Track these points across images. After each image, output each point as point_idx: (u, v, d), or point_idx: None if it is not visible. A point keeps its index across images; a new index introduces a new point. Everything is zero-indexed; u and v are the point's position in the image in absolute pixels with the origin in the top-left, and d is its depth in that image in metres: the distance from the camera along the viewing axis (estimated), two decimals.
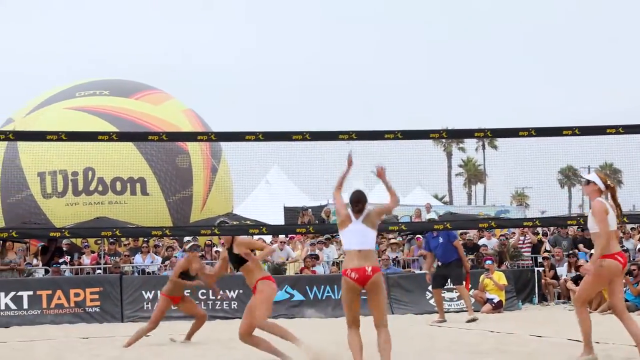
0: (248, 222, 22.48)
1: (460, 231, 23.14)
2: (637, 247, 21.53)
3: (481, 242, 23.25)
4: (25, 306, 19.01)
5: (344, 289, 8.88)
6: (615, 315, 9.44)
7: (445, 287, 17.91)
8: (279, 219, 27.49)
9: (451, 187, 72.42)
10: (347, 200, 9.20)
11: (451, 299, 19.45)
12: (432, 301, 18.75)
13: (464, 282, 17.19)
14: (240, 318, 18.48)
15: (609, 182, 9.47)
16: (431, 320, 16.95)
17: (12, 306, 18.97)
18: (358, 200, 9.09)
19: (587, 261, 20.60)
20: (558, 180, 71.42)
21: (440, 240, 16.95)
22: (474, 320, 16.29)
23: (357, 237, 8.91)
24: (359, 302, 8.93)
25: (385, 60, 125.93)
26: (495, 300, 19.56)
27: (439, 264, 17.20)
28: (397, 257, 22.25)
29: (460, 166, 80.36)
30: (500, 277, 19.74)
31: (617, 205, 9.47)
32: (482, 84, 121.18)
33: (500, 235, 23.77)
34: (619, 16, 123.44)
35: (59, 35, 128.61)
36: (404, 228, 18.69)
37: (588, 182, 9.54)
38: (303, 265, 21.43)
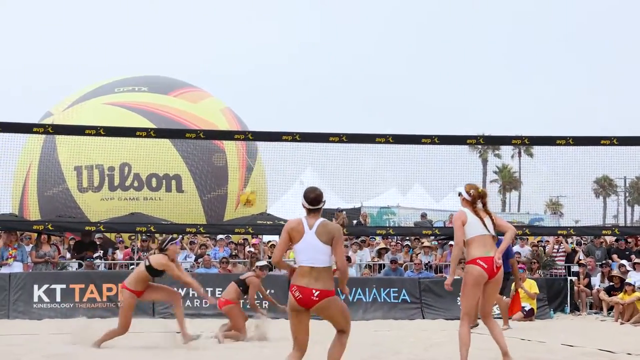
0: (282, 222, 22.47)
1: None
2: None
3: (514, 249, 23.14)
4: (58, 299, 19.16)
5: (288, 306, 8.05)
6: (482, 318, 9.83)
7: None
8: None
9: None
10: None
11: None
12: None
13: (510, 298, 17.11)
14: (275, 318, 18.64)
15: (472, 192, 9.63)
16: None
17: (45, 299, 19.12)
18: (315, 199, 8.11)
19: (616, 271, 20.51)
20: (593, 189, 70.98)
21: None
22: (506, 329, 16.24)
23: (309, 252, 7.97)
24: (307, 325, 8.05)
25: (424, 66, 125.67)
26: (526, 309, 19.47)
27: None
28: (429, 261, 22.20)
29: (495, 173, 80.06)
30: (532, 286, 19.64)
31: (487, 212, 9.58)
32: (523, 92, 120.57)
33: (533, 245, 23.65)
34: None
35: (98, 29, 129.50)
36: (437, 232, 18.65)
37: (460, 194, 9.79)
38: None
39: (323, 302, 7.91)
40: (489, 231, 9.51)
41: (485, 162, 75.00)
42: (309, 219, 8.02)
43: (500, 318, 17.26)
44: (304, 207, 8.15)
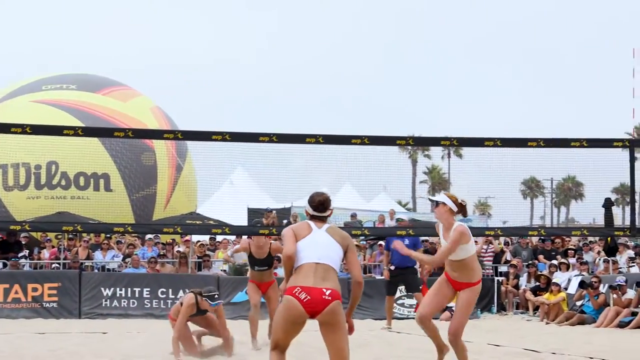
0: (211, 222, 22.37)
1: (423, 238, 23.23)
2: (596, 260, 21.71)
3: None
4: None
5: (284, 313, 6.69)
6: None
7: (404, 294, 17.89)
8: (242, 220, 27.43)
9: (415, 194, 72.69)
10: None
11: (411, 306, 19.47)
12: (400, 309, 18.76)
13: (421, 290, 17.18)
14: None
15: (460, 202, 8.63)
16: (380, 327, 16.95)
17: None
18: (322, 203, 7.09)
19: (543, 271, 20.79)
20: (521, 191, 71.94)
21: (406, 242, 16.87)
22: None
23: (318, 248, 6.84)
24: (298, 333, 6.87)
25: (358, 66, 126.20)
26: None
27: (394, 267, 17.04)
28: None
29: (425, 173, 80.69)
30: None
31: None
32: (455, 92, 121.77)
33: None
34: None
35: (26, 28, 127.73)
36: (367, 233, 18.70)
37: (437, 203, 8.60)
38: None
39: (334, 305, 6.63)
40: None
41: (415, 162, 75.55)
42: (316, 222, 7.03)
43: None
44: (308, 214, 7.12)
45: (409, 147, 71.14)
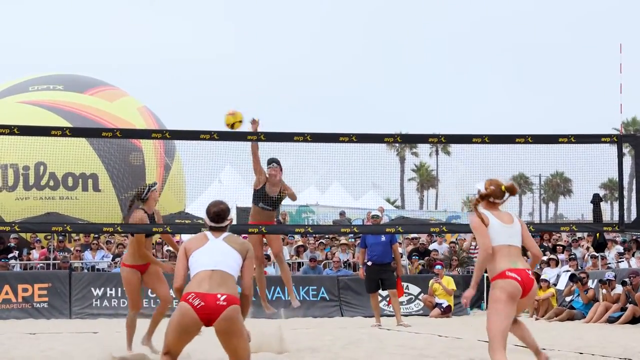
0: (200, 221, 22.35)
1: (412, 235, 23.29)
2: (585, 256, 21.78)
3: (432, 247, 23.38)
4: None
5: (177, 319, 6.54)
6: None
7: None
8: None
9: (403, 191, 72.77)
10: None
11: (401, 302, 19.49)
12: (381, 304, 18.79)
13: (396, 288, 17.21)
14: None
15: (492, 188, 7.55)
16: (370, 324, 16.96)
17: None
18: (218, 214, 6.98)
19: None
20: None
21: (383, 238, 16.86)
22: (405, 326, 16.39)
23: (214, 255, 6.73)
24: (190, 340, 6.70)
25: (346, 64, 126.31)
26: (444, 305, 19.69)
27: (371, 264, 17.02)
28: (347, 259, 22.31)
29: (414, 171, 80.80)
30: (449, 282, 19.88)
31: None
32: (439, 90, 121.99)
33: (451, 242, 23.93)
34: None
35: (13, 28, 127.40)
36: (355, 230, 18.73)
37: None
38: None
39: (230, 311, 6.47)
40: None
41: (402, 160, 75.62)
42: (213, 233, 6.97)
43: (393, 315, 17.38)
44: (206, 224, 7.03)
45: (397, 145, 71.15)
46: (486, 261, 7.43)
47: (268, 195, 12.40)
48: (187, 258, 6.81)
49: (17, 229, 17.36)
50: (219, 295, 6.48)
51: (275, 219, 12.62)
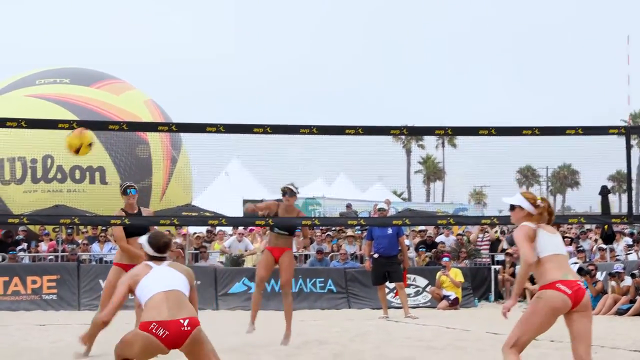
0: (207, 214, 22.43)
1: (419, 228, 23.30)
2: (593, 248, 21.76)
3: (439, 239, 23.40)
4: None
5: (141, 348, 6.43)
6: None
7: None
8: (237, 212, 27.47)
9: (410, 184, 72.77)
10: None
11: (408, 295, 19.50)
12: (389, 296, 18.81)
13: (403, 280, 17.22)
14: None
15: (538, 202, 7.24)
16: (378, 316, 16.97)
17: None
18: (165, 245, 6.96)
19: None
20: (516, 179, 72.08)
21: (389, 231, 16.87)
22: (413, 318, 16.40)
23: (164, 279, 6.68)
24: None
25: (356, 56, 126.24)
26: (451, 297, 19.71)
27: (378, 256, 17.02)
28: (354, 252, 22.33)
29: (420, 163, 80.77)
30: (457, 274, 19.89)
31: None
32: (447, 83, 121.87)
33: (458, 234, 23.94)
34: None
35: (20, 22, 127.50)
36: (362, 223, 18.76)
37: (513, 207, 7.34)
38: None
39: (196, 334, 6.44)
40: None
41: (409, 152, 75.58)
42: (155, 262, 6.91)
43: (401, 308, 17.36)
44: (148, 254, 6.96)
45: (403, 137, 71.10)
46: (527, 274, 7.31)
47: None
48: (128, 288, 6.72)
49: (26, 222, 17.42)
50: (181, 321, 6.41)
51: (291, 246, 12.45)
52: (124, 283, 6.79)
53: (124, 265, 10.63)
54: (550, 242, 7.18)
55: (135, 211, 11.34)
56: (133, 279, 6.73)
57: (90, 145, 10.36)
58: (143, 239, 6.98)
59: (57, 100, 27.27)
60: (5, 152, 25.96)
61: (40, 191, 26.39)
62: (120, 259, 10.89)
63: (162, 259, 6.92)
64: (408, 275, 18.64)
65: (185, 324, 6.36)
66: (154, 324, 6.33)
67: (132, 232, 10.91)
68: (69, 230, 22.72)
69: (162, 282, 6.62)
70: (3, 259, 21.13)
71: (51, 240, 22.97)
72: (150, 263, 6.87)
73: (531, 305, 7.14)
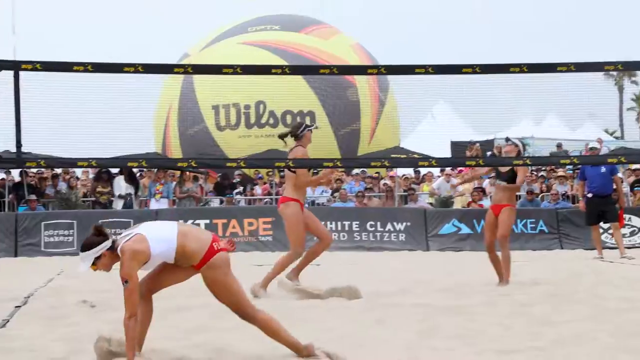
0: (416, 156, 22.56)
1: (634, 166, 22.68)
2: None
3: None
4: None
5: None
6: None
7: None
8: (445, 154, 27.50)
9: (623, 121, 70.50)
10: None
11: (623, 235, 18.96)
12: (603, 236, 18.45)
13: (619, 220, 16.84)
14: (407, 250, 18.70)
15: None
16: (592, 257, 16.69)
17: None
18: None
19: None
20: None
21: (603, 169, 16.53)
22: (629, 258, 16.03)
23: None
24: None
25: None
26: None
27: (591, 196, 16.71)
28: (565, 191, 22.00)
29: (633, 100, 78.04)
30: None
31: None
32: None
33: None
34: None
35: None
36: (575, 161, 18.45)
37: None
38: (470, 200, 21.48)
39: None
40: None
41: (621, 89, 73.12)
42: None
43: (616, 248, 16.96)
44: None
45: (615, 74, 68.84)
46: None
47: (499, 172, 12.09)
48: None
49: (243, 165, 18.07)
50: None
51: (512, 200, 12.16)
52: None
53: (299, 201, 10.89)
54: None
55: None
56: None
57: None
58: None
59: (268, 47, 27.94)
60: (220, 99, 26.90)
61: (253, 136, 27.21)
62: (297, 196, 10.98)
63: None
64: (624, 215, 18.23)
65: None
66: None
67: None
68: (282, 173, 23.42)
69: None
70: (221, 202, 22.04)
71: (265, 183, 23.73)
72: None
73: None
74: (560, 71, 14.20)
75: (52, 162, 10.47)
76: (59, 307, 9.62)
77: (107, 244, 6.26)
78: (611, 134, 53.75)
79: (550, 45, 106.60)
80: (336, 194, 21.97)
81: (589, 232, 17.46)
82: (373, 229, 20.04)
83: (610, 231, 17.73)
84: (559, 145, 29.76)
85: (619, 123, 68.05)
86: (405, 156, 23.57)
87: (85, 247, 6.26)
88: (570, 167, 22.30)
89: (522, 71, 14.05)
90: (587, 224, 17.16)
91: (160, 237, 6.35)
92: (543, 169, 23.33)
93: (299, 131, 11.35)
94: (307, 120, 27.49)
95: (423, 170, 23.45)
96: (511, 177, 11.83)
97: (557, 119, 38.05)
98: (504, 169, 12.00)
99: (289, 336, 6.50)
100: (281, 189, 22.77)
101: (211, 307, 8.15)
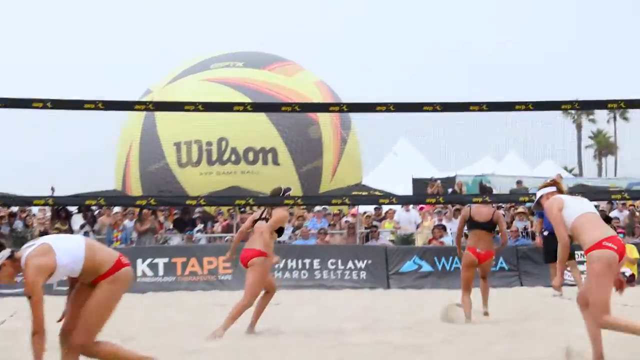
0: (377, 193, 22.64)
1: (594, 203, 22.85)
2: None
3: (612, 214, 22.90)
4: (161, 273, 19.66)
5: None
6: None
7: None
8: (407, 190, 27.58)
9: (581, 159, 71.17)
10: None
11: (582, 272, 19.13)
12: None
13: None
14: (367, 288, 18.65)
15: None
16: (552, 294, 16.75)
17: (149, 272, 19.63)
18: None
19: None
20: None
21: None
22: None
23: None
24: None
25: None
26: (627, 274, 19.28)
27: (547, 233, 16.77)
28: (525, 226, 22.10)
29: (590, 138, 78.84)
30: (632, 250, 19.43)
31: None
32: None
33: (630, 205, 23.36)
34: None
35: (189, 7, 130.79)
36: (534, 199, 18.57)
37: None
38: (431, 237, 21.53)
39: None
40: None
41: (579, 127, 73.89)
42: None
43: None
44: None
45: (573, 112, 69.52)
46: None
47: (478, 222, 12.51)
48: None
49: (203, 203, 18.01)
50: None
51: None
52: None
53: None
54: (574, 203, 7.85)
55: None
56: None
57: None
58: None
59: (231, 84, 27.92)
60: (182, 135, 26.84)
61: (215, 173, 27.12)
62: (267, 251, 11.29)
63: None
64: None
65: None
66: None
67: None
68: (243, 209, 23.34)
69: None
70: (182, 239, 21.92)
71: (225, 220, 23.63)
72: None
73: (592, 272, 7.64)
74: (519, 109, 14.33)
75: (8, 200, 10.39)
76: (12, 350, 9.44)
77: (5, 253, 6.24)
78: (570, 171, 54.21)
79: (510, 84, 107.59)
80: (297, 231, 21.94)
81: (548, 270, 17.53)
82: (334, 266, 20.00)
83: (569, 268, 17.80)
84: (519, 182, 29.94)
85: (577, 160, 68.73)
86: (366, 193, 23.64)
87: None
88: (530, 204, 22.41)
89: (481, 109, 14.16)
90: (546, 261, 17.25)
91: (67, 248, 6.33)
92: (503, 205, 23.46)
93: (281, 194, 11.85)
94: (270, 158, 27.52)
95: (385, 208, 23.49)
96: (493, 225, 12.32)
97: (517, 156, 38.34)
98: (482, 219, 12.31)
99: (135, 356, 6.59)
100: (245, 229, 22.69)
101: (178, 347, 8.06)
